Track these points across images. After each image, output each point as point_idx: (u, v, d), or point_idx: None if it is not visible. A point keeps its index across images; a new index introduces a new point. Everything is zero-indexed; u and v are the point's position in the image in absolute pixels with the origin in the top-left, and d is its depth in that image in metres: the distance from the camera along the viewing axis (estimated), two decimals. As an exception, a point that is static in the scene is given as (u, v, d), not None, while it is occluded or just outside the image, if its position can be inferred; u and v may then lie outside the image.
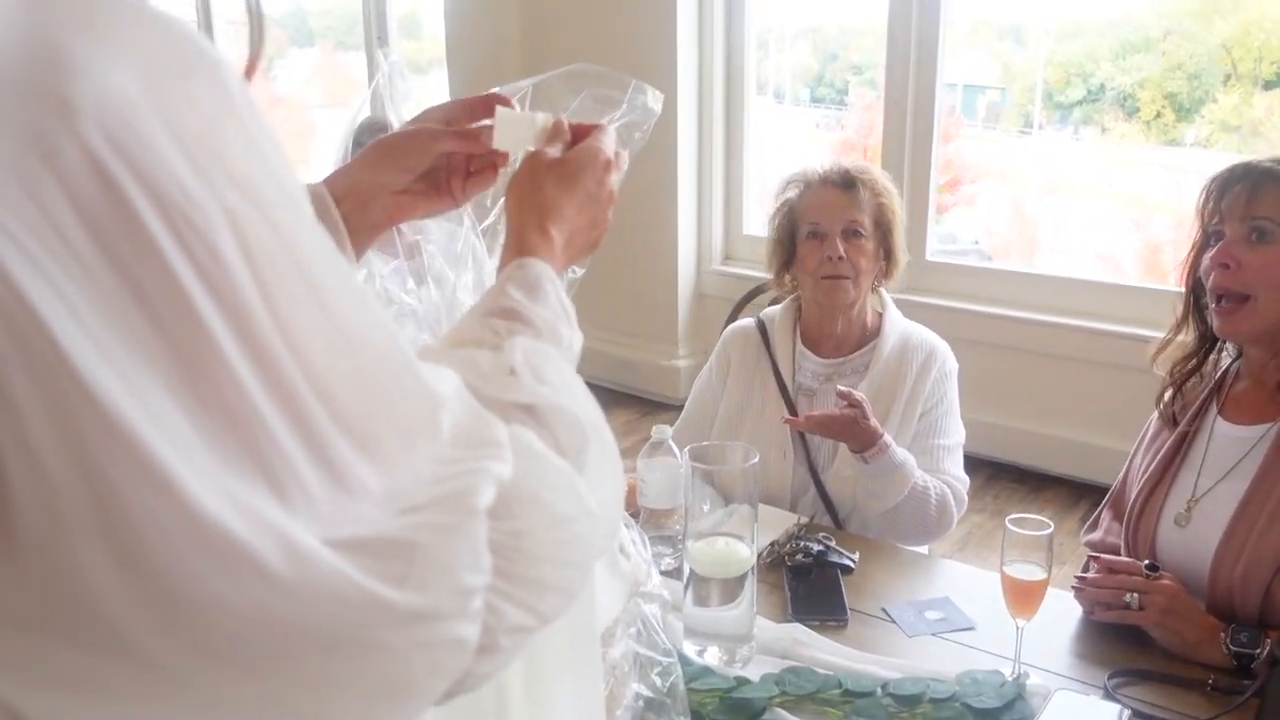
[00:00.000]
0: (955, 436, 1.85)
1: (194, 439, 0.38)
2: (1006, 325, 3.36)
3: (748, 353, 1.93)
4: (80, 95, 0.36)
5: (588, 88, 1.10)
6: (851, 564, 1.55)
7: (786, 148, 4.71)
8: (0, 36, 0.36)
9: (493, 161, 0.87)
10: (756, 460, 1.26)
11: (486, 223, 1.19)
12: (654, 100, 1.10)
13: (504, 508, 0.50)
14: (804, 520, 1.68)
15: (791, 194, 1.88)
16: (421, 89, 5.38)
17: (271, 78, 6.58)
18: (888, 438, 1.69)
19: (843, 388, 1.70)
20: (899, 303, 1.95)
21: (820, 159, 1.92)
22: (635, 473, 1.52)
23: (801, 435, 1.83)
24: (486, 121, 0.85)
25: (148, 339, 0.37)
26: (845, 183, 1.83)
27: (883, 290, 1.92)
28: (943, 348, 1.88)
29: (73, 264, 0.35)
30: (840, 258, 1.79)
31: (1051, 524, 1.27)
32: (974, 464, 3.11)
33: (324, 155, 6.51)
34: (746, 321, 1.98)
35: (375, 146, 0.84)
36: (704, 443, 1.35)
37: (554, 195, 0.77)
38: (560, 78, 1.08)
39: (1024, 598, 1.27)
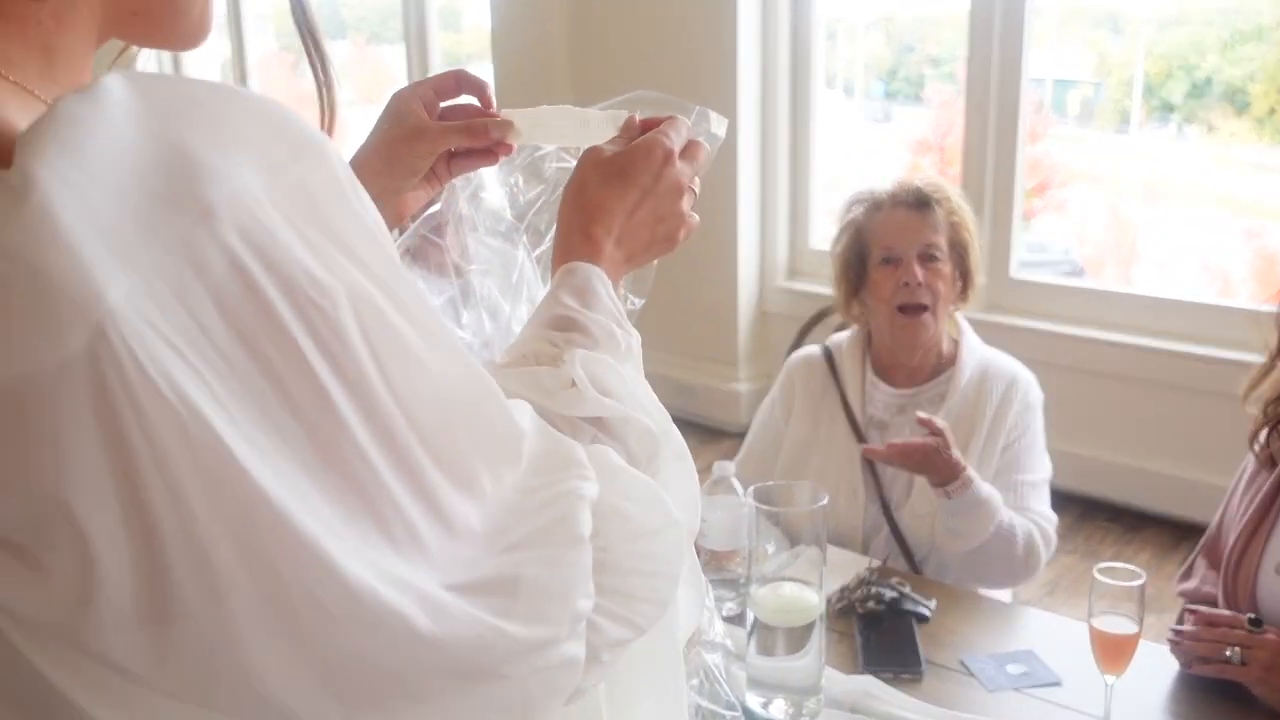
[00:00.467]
0: (1041, 472, 1.87)
1: (331, 514, 0.45)
2: (1101, 349, 3.35)
3: (813, 383, 1.96)
4: (218, 200, 0.42)
5: (646, 109, 1.16)
6: (928, 612, 1.59)
7: (857, 147, 4.74)
8: (137, 147, 0.42)
9: (491, 149, 0.93)
10: (825, 501, 1.31)
11: (541, 249, 1.26)
12: (718, 125, 1.16)
13: (595, 527, 0.56)
14: (876, 564, 1.72)
15: (858, 215, 1.92)
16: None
17: (300, 74, 6.76)
18: (971, 471, 1.71)
19: (923, 415, 1.73)
20: (980, 324, 1.98)
21: (887, 175, 1.96)
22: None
23: (873, 471, 1.86)
24: (494, 112, 0.92)
25: (286, 426, 0.44)
26: (919, 202, 1.86)
27: (959, 315, 1.95)
28: (1026, 376, 1.90)
29: (224, 366, 0.42)
30: (918, 284, 1.82)
31: (1143, 574, 1.30)
32: (1063, 501, 3.10)
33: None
34: (812, 349, 2.03)
35: (381, 152, 0.89)
36: (769, 482, 1.40)
37: (599, 194, 0.80)
38: (619, 105, 1.15)
39: (1114, 652, 1.30)
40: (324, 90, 0.69)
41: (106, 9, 0.53)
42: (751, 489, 1.34)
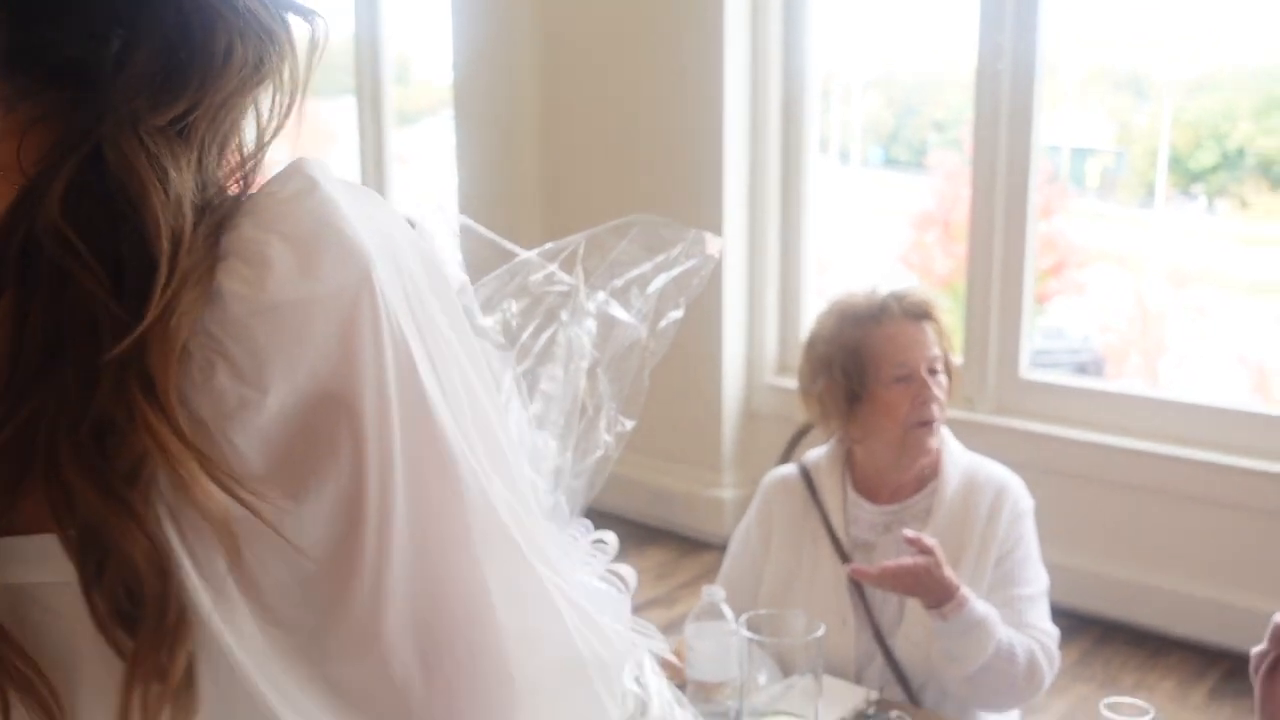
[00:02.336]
0: (1037, 584, 1.99)
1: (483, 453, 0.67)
2: (1122, 457, 3.40)
3: (793, 506, 2.10)
4: (401, 243, 0.67)
5: (638, 234, 1.32)
6: (931, 749, 1.71)
7: (852, 222, 4.80)
8: (362, 208, 0.66)
9: None
10: (823, 631, 1.45)
11: (524, 367, 1.40)
12: (713, 246, 1.32)
13: None
14: (874, 696, 1.85)
15: (853, 332, 2.04)
16: (410, 139, 5.64)
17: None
18: (965, 590, 1.83)
19: (910, 532, 1.85)
20: (988, 428, 2.13)
21: (865, 284, 2.11)
22: (683, 639, 1.70)
23: (862, 596, 1.98)
24: None
25: (453, 390, 0.65)
26: (921, 314, 2.03)
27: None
28: (1014, 483, 2.03)
29: (414, 328, 0.64)
30: (936, 400, 1.98)
31: (1151, 710, 1.43)
32: (1080, 623, 3.23)
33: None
34: (788, 469, 2.16)
35: None
36: (760, 611, 1.53)
37: None
38: (611, 230, 1.30)
39: (1123, 791, 1.42)
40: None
41: None
42: (744, 618, 1.47)
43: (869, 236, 4.99)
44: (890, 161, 5.13)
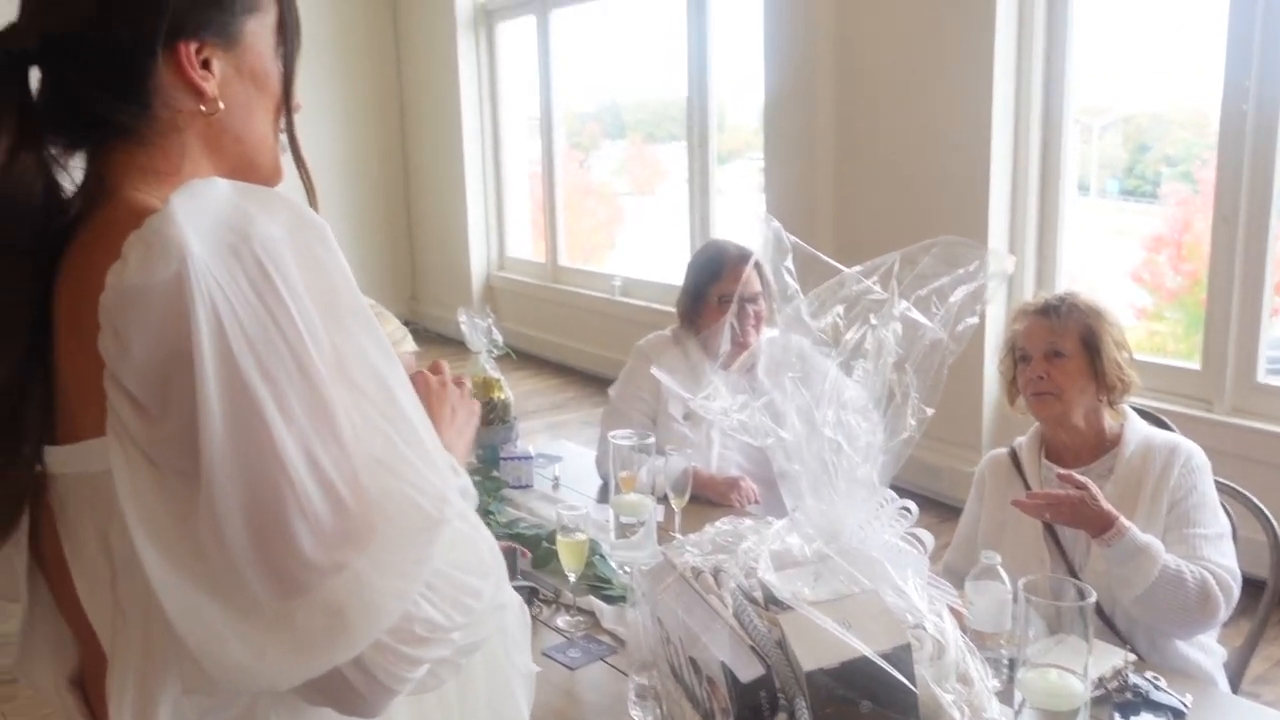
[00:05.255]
0: (1214, 527, 1.92)
1: (298, 408, 0.73)
2: None
3: (999, 476, 2.15)
4: (254, 233, 0.73)
5: (941, 251, 1.27)
6: (1183, 707, 1.56)
7: (1093, 244, 4.61)
8: (223, 201, 0.75)
9: None
10: (1093, 600, 1.34)
11: (842, 359, 1.36)
12: (1007, 263, 1.25)
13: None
14: (1131, 657, 1.71)
15: (1016, 326, 2.13)
16: (726, 175, 5.71)
17: (586, 168, 7.20)
18: (1124, 520, 1.80)
19: (1062, 471, 1.86)
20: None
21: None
22: (964, 593, 1.62)
23: (1055, 539, 1.98)
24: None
25: (275, 346, 0.72)
26: (1044, 310, 2.07)
27: (1123, 406, 2.07)
28: (1187, 444, 1.99)
29: (242, 304, 0.71)
30: (1040, 377, 2.01)
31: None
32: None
33: (629, 241, 7.02)
34: (1000, 449, 2.21)
35: None
36: (1033, 576, 1.44)
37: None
38: (920, 248, 1.26)
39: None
40: (306, 178, 0.97)
41: (216, 168, 0.89)
42: (1021, 581, 1.38)
43: (1105, 256, 4.73)
44: (1125, 192, 4.84)
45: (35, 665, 0.94)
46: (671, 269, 6.04)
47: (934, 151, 4.02)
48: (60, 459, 0.83)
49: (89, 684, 0.91)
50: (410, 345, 2.17)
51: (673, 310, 2.74)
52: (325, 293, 0.75)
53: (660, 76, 6.16)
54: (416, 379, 1.06)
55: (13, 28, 0.83)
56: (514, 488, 2.49)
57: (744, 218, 5.61)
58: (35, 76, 0.84)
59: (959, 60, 3.89)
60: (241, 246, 0.72)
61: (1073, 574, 1.94)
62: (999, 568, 1.61)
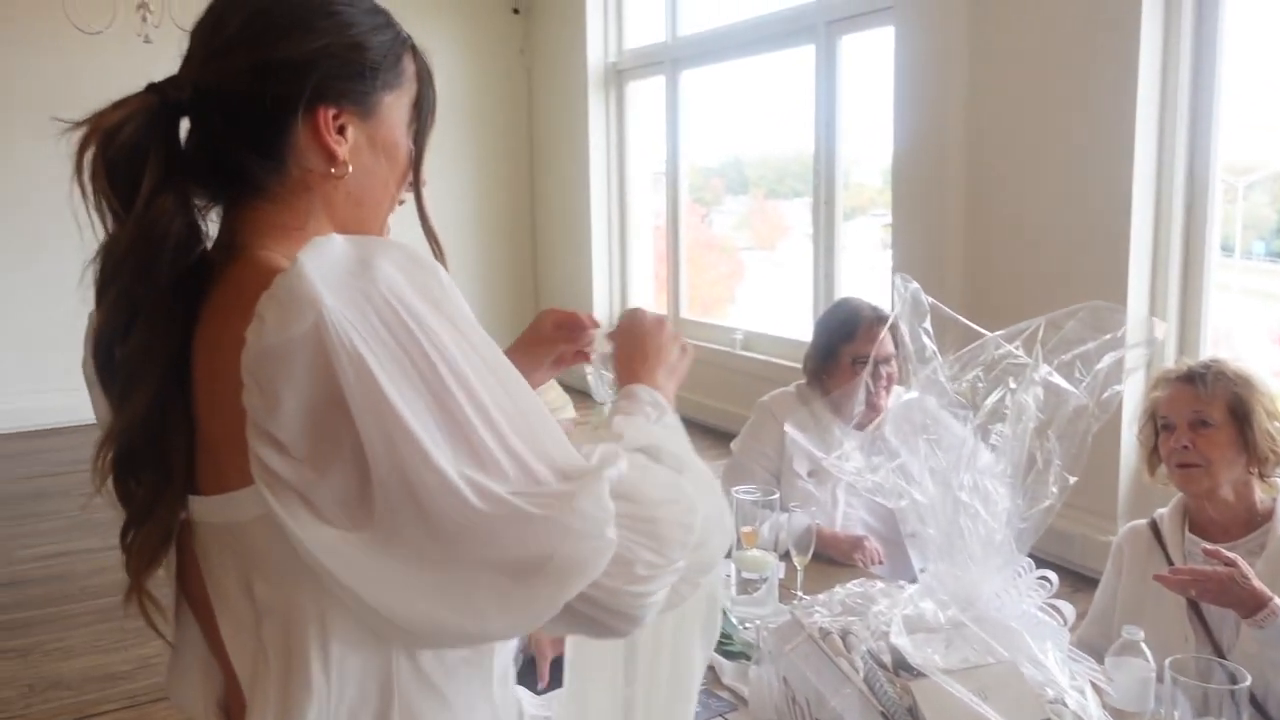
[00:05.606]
0: None
1: (445, 443, 0.75)
2: None
3: (1139, 548, 2.05)
4: (378, 277, 0.77)
5: (1087, 316, 1.24)
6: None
7: (1238, 307, 4.40)
8: (343, 254, 0.78)
9: (583, 355, 1.32)
10: (1247, 684, 1.28)
11: (978, 421, 1.34)
12: (1159, 330, 1.21)
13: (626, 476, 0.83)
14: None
15: (1156, 393, 2.03)
16: (847, 233, 5.68)
17: (708, 222, 7.26)
18: (1279, 601, 1.68)
19: (1208, 546, 1.75)
20: None
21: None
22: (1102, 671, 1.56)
23: (1200, 616, 1.88)
24: (593, 330, 1.30)
25: (416, 383, 0.75)
26: (1189, 377, 1.98)
27: (1276, 479, 1.96)
28: None
29: (380, 346, 0.75)
30: (1185, 447, 1.92)
31: None
32: None
33: (750, 295, 7.03)
34: (1140, 521, 2.12)
35: (525, 342, 1.30)
36: (1180, 655, 1.38)
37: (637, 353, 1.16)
38: (1066, 313, 1.24)
39: None
40: (436, 246, 1.01)
41: (332, 227, 0.93)
42: (1169, 661, 1.33)
43: (1249, 320, 4.52)
44: (1274, 253, 4.58)
45: (185, 688, 0.98)
46: (793, 324, 6.03)
47: (1070, 210, 3.92)
48: (206, 508, 0.87)
49: (234, 715, 0.95)
50: (570, 413, 2.20)
51: (794, 365, 2.72)
52: (446, 322, 0.79)
53: (785, 133, 6.19)
54: (637, 313, 1.17)
55: (172, 79, 0.90)
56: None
57: (868, 275, 5.56)
58: (185, 127, 0.90)
59: (1098, 117, 3.80)
60: (370, 289, 0.76)
61: (1219, 654, 1.83)
62: (1142, 644, 1.55)
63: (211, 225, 0.93)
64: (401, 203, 1.00)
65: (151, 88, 0.88)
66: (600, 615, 0.81)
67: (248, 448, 0.77)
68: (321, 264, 0.76)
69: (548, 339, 1.30)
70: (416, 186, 0.99)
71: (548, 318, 1.30)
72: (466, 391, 0.77)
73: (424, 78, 0.98)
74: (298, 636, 0.82)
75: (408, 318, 0.76)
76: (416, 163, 0.98)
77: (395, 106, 0.95)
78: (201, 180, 0.91)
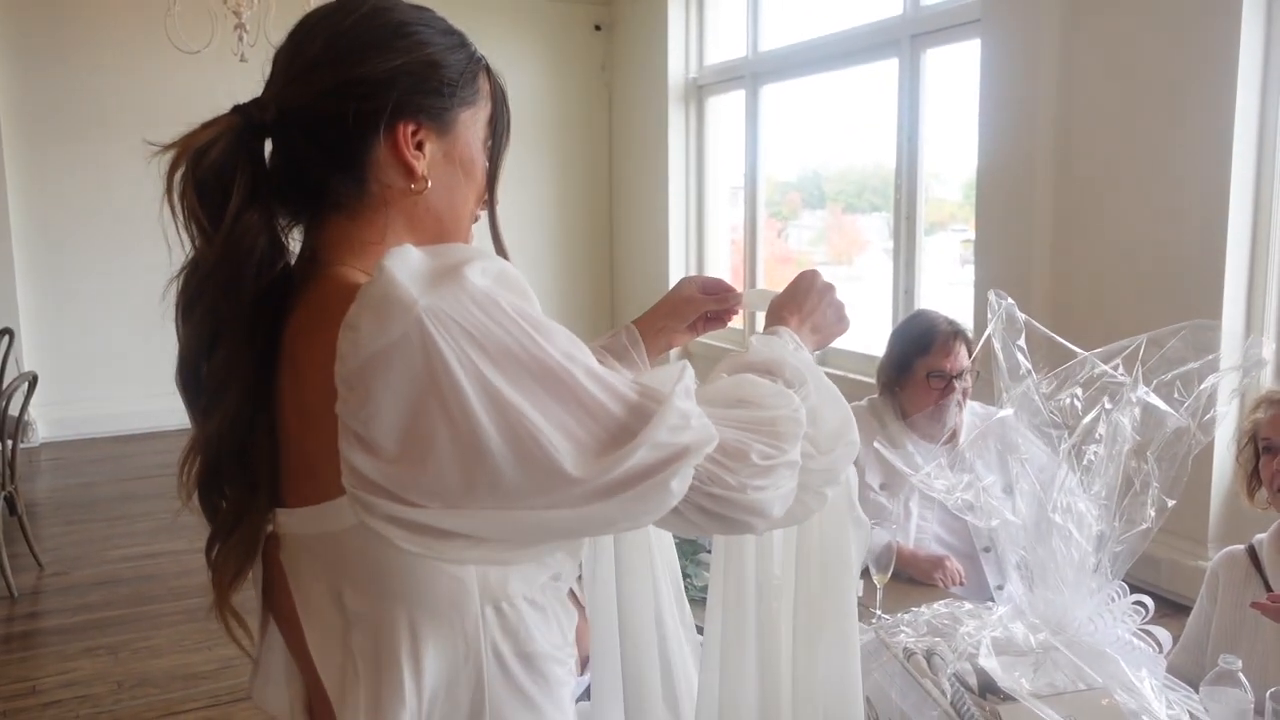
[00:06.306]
0: None
1: (556, 409, 0.77)
2: None
3: (1235, 573, 1.99)
4: (467, 277, 0.78)
5: (1190, 335, 1.20)
6: None
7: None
8: (421, 259, 0.79)
9: (728, 315, 1.35)
10: (1357, 718, 1.22)
11: (1072, 442, 1.31)
12: (1267, 350, 1.18)
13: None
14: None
15: (1258, 414, 1.95)
16: (931, 246, 5.60)
17: (784, 237, 7.22)
18: None
19: None
20: None
21: None
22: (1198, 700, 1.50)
23: None
24: (738, 290, 1.33)
25: (523, 362, 0.77)
26: None
27: None
28: None
29: (479, 334, 0.76)
30: None
31: None
32: None
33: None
34: (1237, 546, 2.05)
35: (668, 305, 1.35)
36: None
37: (790, 304, 1.20)
38: (1169, 331, 1.20)
39: None
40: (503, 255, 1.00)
41: (412, 242, 0.88)
42: (1270, 692, 1.28)
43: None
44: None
45: (270, 690, 1.00)
46: (869, 339, 5.95)
47: (1162, 226, 3.81)
48: (295, 521, 0.88)
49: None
50: None
51: (869, 380, 2.69)
52: (529, 308, 0.81)
53: (864, 147, 6.13)
54: (810, 273, 1.21)
55: (257, 101, 0.92)
56: (709, 551, 2.49)
57: (948, 290, 5.47)
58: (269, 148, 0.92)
59: (1194, 130, 3.69)
60: (461, 280, 0.77)
61: None
62: (1240, 674, 1.49)
63: (294, 243, 0.94)
64: (476, 219, 1.01)
65: (237, 109, 0.90)
66: (728, 511, 0.85)
67: (333, 462, 0.77)
68: (407, 268, 0.77)
69: (694, 300, 1.35)
70: (491, 203, 1.00)
71: (692, 282, 1.36)
72: (567, 358, 0.79)
73: (498, 96, 1.00)
74: (388, 645, 0.83)
75: (504, 303, 0.77)
76: (491, 179, 0.99)
77: (471, 123, 0.96)
78: (285, 199, 0.93)
